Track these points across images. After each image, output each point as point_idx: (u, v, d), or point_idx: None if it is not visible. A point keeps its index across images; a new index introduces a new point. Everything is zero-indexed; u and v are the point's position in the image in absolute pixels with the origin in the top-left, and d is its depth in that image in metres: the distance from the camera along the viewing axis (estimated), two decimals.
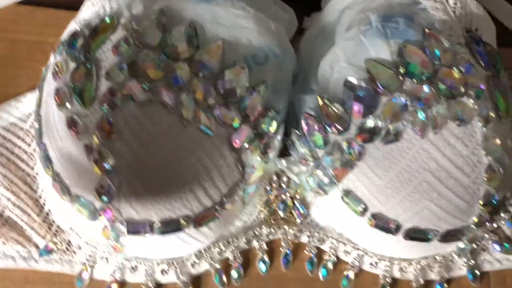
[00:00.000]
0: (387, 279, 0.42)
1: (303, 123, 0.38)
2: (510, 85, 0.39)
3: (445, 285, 0.43)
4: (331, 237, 0.42)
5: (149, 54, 0.33)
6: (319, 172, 0.38)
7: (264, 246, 0.42)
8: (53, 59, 0.37)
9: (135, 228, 0.35)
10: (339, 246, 0.42)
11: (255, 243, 0.42)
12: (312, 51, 0.39)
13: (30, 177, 0.42)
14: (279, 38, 0.37)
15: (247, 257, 0.42)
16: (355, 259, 0.42)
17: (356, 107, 0.35)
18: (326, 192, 0.39)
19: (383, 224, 0.37)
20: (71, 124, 0.33)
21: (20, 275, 0.41)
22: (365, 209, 0.37)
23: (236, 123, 0.35)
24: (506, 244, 0.43)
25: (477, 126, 0.34)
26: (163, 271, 0.41)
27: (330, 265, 0.42)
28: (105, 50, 0.34)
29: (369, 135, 0.35)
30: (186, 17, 0.35)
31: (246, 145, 0.35)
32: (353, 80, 0.35)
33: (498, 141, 0.34)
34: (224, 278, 0.41)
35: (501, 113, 0.35)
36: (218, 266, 0.41)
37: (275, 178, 0.43)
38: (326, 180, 0.38)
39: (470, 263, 0.43)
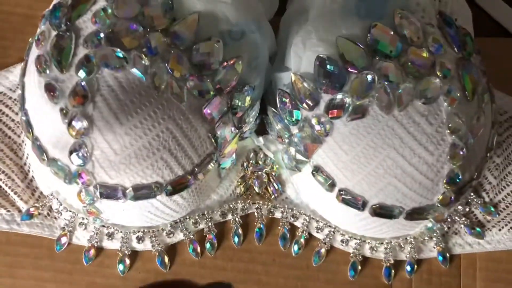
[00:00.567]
0: (357, 257, 0.43)
1: (277, 99, 0.39)
2: (483, 69, 0.39)
3: (415, 265, 0.43)
4: (304, 214, 0.43)
5: (126, 23, 0.35)
6: (292, 149, 0.39)
7: (239, 220, 0.43)
8: (39, 29, 0.39)
9: (108, 192, 0.36)
10: (312, 223, 0.44)
11: (230, 217, 0.43)
12: (289, 30, 0.40)
13: (16, 145, 0.44)
14: (257, 15, 0.38)
15: (222, 230, 0.44)
16: (326, 236, 0.43)
17: (325, 83, 0.36)
18: (300, 169, 0.40)
19: (350, 199, 0.38)
20: (49, 88, 0.35)
21: (2, 237, 0.43)
22: (333, 185, 0.38)
23: (208, 95, 0.36)
24: (477, 229, 0.44)
25: (442, 105, 0.35)
26: (139, 239, 0.42)
27: (302, 241, 0.43)
28: (85, 19, 0.36)
29: (337, 111, 0.36)
30: None
31: (218, 118, 0.37)
32: (324, 56, 0.36)
33: (462, 121, 0.35)
34: (198, 249, 0.43)
35: (468, 94, 0.36)
36: (192, 236, 0.43)
37: (252, 154, 0.44)
38: (298, 156, 0.39)
39: (441, 246, 0.43)
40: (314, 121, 0.37)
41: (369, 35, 0.35)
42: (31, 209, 0.42)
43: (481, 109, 0.37)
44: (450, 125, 0.35)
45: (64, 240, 0.42)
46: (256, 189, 0.44)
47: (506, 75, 0.47)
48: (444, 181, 0.36)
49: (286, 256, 0.43)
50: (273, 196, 0.44)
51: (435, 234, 0.43)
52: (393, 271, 0.43)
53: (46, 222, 0.43)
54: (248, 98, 0.38)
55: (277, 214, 0.44)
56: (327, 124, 0.36)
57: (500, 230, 0.44)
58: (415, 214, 0.38)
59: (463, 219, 0.44)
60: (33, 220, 0.42)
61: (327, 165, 0.38)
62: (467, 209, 0.44)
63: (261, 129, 0.43)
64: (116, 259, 0.42)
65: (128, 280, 0.42)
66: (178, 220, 0.42)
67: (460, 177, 0.36)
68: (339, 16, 0.36)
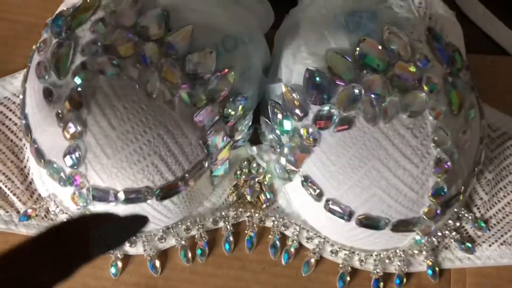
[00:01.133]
0: (346, 268, 0.44)
1: (269, 110, 0.40)
2: (472, 85, 0.40)
3: (404, 278, 0.44)
4: (295, 224, 0.44)
5: (122, 33, 0.36)
6: (283, 159, 0.40)
7: (230, 228, 0.44)
8: (42, 37, 0.41)
9: (100, 195, 0.37)
10: (302, 232, 0.44)
11: (221, 224, 0.44)
12: (283, 42, 0.41)
13: (18, 148, 0.45)
14: (250, 27, 0.40)
15: (213, 237, 0.45)
16: (316, 246, 0.44)
17: (314, 95, 0.37)
18: (291, 179, 0.41)
19: (337, 210, 0.38)
20: (47, 93, 0.36)
21: (0, 237, 0.44)
22: (321, 194, 0.39)
23: (200, 103, 0.37)
24: (468, 244, 0.44)
25: (428, 118, 0.36)
26: (131, 242, 0.43)
27: (292, 250, 0.44)
28: (84, 28, 0.37)
29: (325, 122, 0.36)
30: (161, 2, 0.38)
31: (210, 126, 0.38)
32: (313, 69, 0.37)
33: (448, 134, 0.36)
34: (190, 255, 0.44)
35: (454, 108, 0.36)
36: (184, 242, 0.44)
37: (245, 163, 0.45)
38: (288, 166, 0.40)
39: (431, 260, 0.44)
40: (303, 131, 0.38)
41: (357, 49, 0.36)
42: (29, 211, 0.43)
43: (467, 123, 0.37)
44: (435, 138, 0.36)
45: None
46: (248, 197, 0.45)
47: (500, 92, 0.48)
48: (430, 194, 0.37)
49: (276, 264, 0.44)
50: (264, 205, 0.45)
51: (424, 248, 0.43)
52: (382, 283, 0.44)
53: (43, 223, 0.44)
54: (240, 108, 0.39)
55: (268, 223, 0.44)
56: (315, 134, 0.37)
57: (490, 245, 0.44)
58: (401, 226, 0.38)
59: (454, 233, 0.44)
60: (31, 221, 0.44)
61: (315, 175, 0.38)
62: (458, 224, 0.44)
63: (255, 139, 0.44)
64: (109, 262, 0.43)
65: (120, 283, 0.43)
66: (170, 226, 0.43)
67: (445, 190, 0.37)
68: (328, 30, 0.37)
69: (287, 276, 0.44)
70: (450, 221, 0.43)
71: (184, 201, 0.40)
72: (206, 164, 0.39)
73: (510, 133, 0.46)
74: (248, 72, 0.40)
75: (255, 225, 0.44)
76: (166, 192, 0.38)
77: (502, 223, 0.44)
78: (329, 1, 0.39)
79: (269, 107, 0.40)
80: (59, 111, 0.36)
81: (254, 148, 0.44)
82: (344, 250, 0.44)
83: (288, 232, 0.44)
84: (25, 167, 0.45)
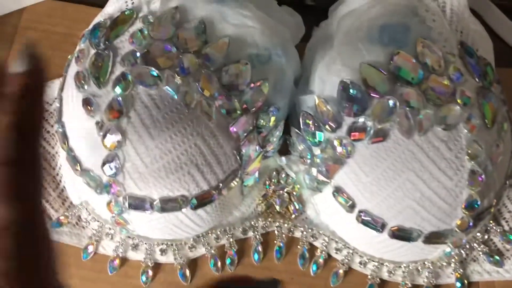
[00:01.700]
0: (375, 279, 0.44)
1: (301, 121, 0.40)
2: (504, 99, 0.40)
3: None
4: (324, 235, 0.44)
5: (161, 44, 0.37)
6: (313, 170, 0.41)
7: (259, 237, 0.44)
8: (78, 47, 0.41)
9: (136, 203, 0.38)
10: (331, 243, 0.44)
11: (250, 234, 0.45)
12: (314, 55, 0.41)
13: (50, 155, 0.46)
14: (283, 40, 0.40)
15: (242, 246, 0.45)
16: (345, 257, 0.44)
17: (348, 107, 0.37)
18: (321, 189, 0.41)
19: (369, 221, 0.39)
20: (86, 103, 0.37)
21: None
22: (353, 206, 0.39)
23: (235, 114, 0.38)
24: (496, 257, 0.44)
25: (462, 131, 0.36)
26: (162, 251, 0.43)
27: (321, 261, 0.44)
28: (123, 39, 0.38)
29: (359, 134, 0.37)
30: (198, 14, 0.39)
31: (244, 136, 0.38)
32: (347, 81, 0.37)
33: (482, 148, 0.36)
34: (219, 264, 0.44)
35: (487, 121, 0.37)
36: (213, 251, 0.44)
37: (274, 174, 0.45)
38: (320, 176, 0.40)
39: (459, 272, 0.44)
40: (336, 142, 0.38)
41: (391, 62, 0.37)
42: (61, 218, 0.44)
43: (500, 137, 0.38)
44: (469, 151, 0.36)
45: (91, 249, 0.44)
46: (277, 207, 0.45)
47: None
48: (463, 206, 0.37)
49: (304, 275, 0.44)
50: (293, 216, 0.45)
51: (453, 260, 0.43)
52: None
53: (74, 231, 0.45)
54: (273, 119, 0.40)
55: (297, 234, 0.45)
56: (349, 146, 0.37)
57: None
58: (433, 238, 0.39)
59: (482, 246, 0.44)
60: (62, 228, 0.44)
61: (348, 186, 0.39)
62: (486, 237, 0.44)
63: (284, 150, 0.44)
64: (140, 270, 0.44)
65: None
66: (200, 235, 0.44)
67: (478, 202, 0.37)
68: (362, 43, 0.38)
69: (315, 286, 0.44)
70: (478, 234, 0.44)
71: (216, 210, 0.41)
72: (239, 174, 0.39)
73: None
74: (280, 83, 0.40)
75: (284, 235, 0.45)
76: (201, 201, 0.38)
77: None
78: (362, 14, 0.40)
79: (300, 118, 0.40)
80: (99, 120, 0.36)
81: (283, 158, 0.45)
82: (373, 261, 0.44)
83: (317, 243, 0.45)
84: (57, 174, 0.46)
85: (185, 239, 0.44)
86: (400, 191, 0.37)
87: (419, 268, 0.44)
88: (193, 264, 0.44)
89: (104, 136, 0.36)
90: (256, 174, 0.43)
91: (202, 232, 0.43)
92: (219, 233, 0.44)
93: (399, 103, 0.36)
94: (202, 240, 0.44)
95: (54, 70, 0.48)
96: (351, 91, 0.37)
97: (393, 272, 0.44)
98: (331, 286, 0.44)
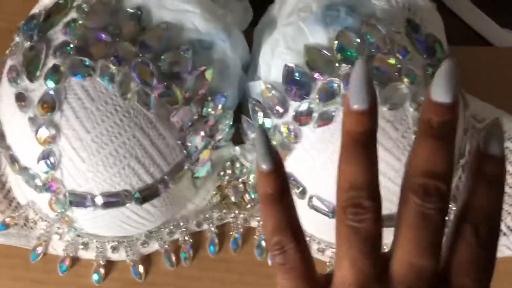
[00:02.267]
0: (333, 266, 0.43)
1: (250, 108, 0.39)
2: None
3: None
4: None
5: (94, 33, 0.35)
6: None
7: (215, 229, 0.43)
8: (13, 41, 0.40)
9: (78, 200, 0.36)
10: None
11: (205, 226, 0.43)
12: (261, 39, 0.40)
13: None
14: (226, 24, 0.39)
15: (198, 239, 0.44)
16: None
17: (293, 91, 0.36)
18: None
19: (320, 206, 0.38)
20: (19, 98, 0.36)
21: None
22: (304, 192, 0.38)
23: (176, 103, 0.36)
24: None
25: (408, 110, 0.35)
26: (113, 248, 0.42)
27: None
28: (56, 30, 0.36)
29: (304, 118, 0.36)
30: (134, 1, 0.37)
31: (188, 125, 0.37)
32: (292, 64, 0.36)
33: None
34: (174, 259, 0.43)
35: None
36: (167, 246, 0.43)
37: (229, 164, 0.44)
38: None
39: None
40: (283, 128, 0.37)
41: (335, 42, 0.36)
42: (7, 219, 0.42)
43: None
44: (417, 130, 0.35)
45: (39, 250, 0.42)
46: (233, 198, 0.44)
47: (484, 83, 0.47)
48: None
49: (262, 265, 0.43)
50: (249, 205, 0.44)
51: None
52: None
53: (22, 232, 0.43)
54: (219, 106, 0.38)
55: (253, 224, 0.44)
56: (296, 131, 0.36)
57: None
58: (386, 222, 0.37)
59: None
60: (9, 230, 0.43)
61: (298, 172, 0.38)
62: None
63: (238, 139, 0.43)
64: (92, 268, 0.42)
65: None
66: (152, 230, 0.42)
67: None
68: (306, 24, 0.37)
69: (274, 276, 0.43)
70: None
71: (166, 204, 0.40)
72: (186, 166, 0.38)
73: None
74: (227, 70, 0.39)
75: (240, 226, 0.43)
76: (145, 195, 0.37)
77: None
78: None
79: (249, 106, 0.39)
80: (32, 116, 0.35)
81: (237, 148, 0.43)
82: (331, 248, 0.43)
83: None
84: (2, 175, 0.44)
85: (136, 235, 0.42)
86: None
87: None
88: (148, 259, 0.43)
89: (37, 132, 0.34)
90: (208, 165, 0.42)
91: (154, 227, 0.42)
92: (172, 227, 0.43)
93: (343, 84, 0.35)
94: (155, 236, 0.42)
95: None
96: (295, 74, 0.36)
97: None
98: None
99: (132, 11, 0.36)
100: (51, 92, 0.34)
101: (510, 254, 0.43)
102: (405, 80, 0.35)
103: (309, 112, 0.36)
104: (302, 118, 0.36)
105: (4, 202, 0.43)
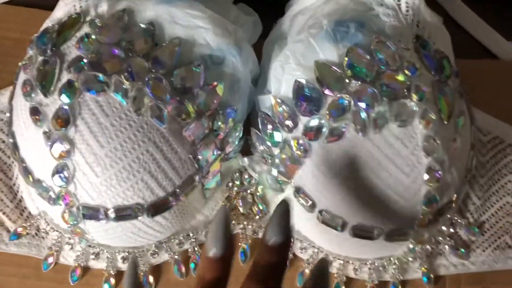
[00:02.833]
0: (341, 277, 0.43)
1: (259, 122, 0.40)
2: (461, 91, 0.40)
3: (400, 286, 0.43)
4: None
5: (108, 49, 0.36)
6: (274, 170, 0.40)
7: None
8: (27, 54, 0.40)
9: (91, 213, 0.37)
10: (296, 243, 0.44)
11: None
12: (271, 53, 0.41)
13: (7, 165, 0.45)
14: (236, 39, 0.39)
15: None
16: (310, 257, 0.43)
17: (303, 106, 0.36)
18: (283, 190, 0.41)
19: (330, 220, 0.38)
20: (33, 112, 0.36)
21: None
22: (313, 206, 0.38)
23: (189, 117, 0.37)
24: (462, 249, 0.44)
25: (418, 127, 0.36)
26: (124, 259, 0.43)
27: None
28: (70, 45, 0.37)
29: (314, 133, 0.36)
30: (146, 17, 0.37)
31: (200, 140, 0.37)
32: (302, 80, 0.36)
33: (438, 143, 0.35)
34: (183, 269, 0.43)
35: (443, 116, 0.36)
36: (177, 257, 0.43)
37: (237, 175, 0.45)
38: (280, 177, 0.40)
39: (425, 267, 0.43)
40: (293, 142, 0.37)
41: (345, 59, 0.36)
42: (19, 229, 0.43)
43: (457, 131, 0.37)
44: (426, 147, 0.35)
45: (51, 259, 0.43)
46: (241, 209, 0.44)
47: (490, 97, 0.48)
48: (423, 203, 0.36)
49: None
50: (257, 217, 0.44)
51: (418, 255, 0.43)
52: None
53: (33, 241, 0.43)
54: (230, 120, 0.39)
55: (262, 234, 0.44)
56: (306, 145, 0.37)
57: (484, 251, 0.44)
58: (394, 236, 0.38)
59: (447, 239, 0.44)
60: (21, 240, 0.43)
61: (307, 186, 0.38)
62: (452, 230, 0.44)
63: (247, 150, 0.44)
64: (102, 278, 0.43)
65: None
66: (162, 241, 0.43)
67: (437, 199, 0.36)
68: (316, 41, 0.37)
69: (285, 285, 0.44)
70: (443, 227, 0.43)
71: (176, 216, 0.40)
72: (197, 178, 0.39)
73: (501, 137, 0.46)
74: (237, 84, 0.40)
75: (248, 237, 0.44)
76: (157, 208, 0.38)
77: (495, 228, 0.44)
78: (316, 11, 0.39)
79: (259, 119, 0.40)
80: (46, 130, 0.35)
81: (246, 159, 0.44)
82: (339, 259, 0.43)
83: None
84: (14, 184, 0.44)
85: (146, 245, 0.43)
86: (358, 189, 0.36)
87: (385, 264, 0.43)
88: (157, 270, 0.44)
89: (51, 146, 0.35)
90: (218, 177, 0.42)
91: (164, 238, 0.43)
92: (181, 238, 0.43)
93: (353, 101, 0.35)
94: (165, 246, 0.43)
95: (8, 77, 0.47)
96: (306, 90, 0.36)
97: (359, 269, 0.43)
98: (297, 286, 0.43)
99: (144, 26, 0.37)
100: (66, 107, 0.35)
101: None
102: (414, 97, 0.36)
103: (319, 128, 0.36)
104: (311, 133, 0.36)
105: (16, 212, 0.44)
